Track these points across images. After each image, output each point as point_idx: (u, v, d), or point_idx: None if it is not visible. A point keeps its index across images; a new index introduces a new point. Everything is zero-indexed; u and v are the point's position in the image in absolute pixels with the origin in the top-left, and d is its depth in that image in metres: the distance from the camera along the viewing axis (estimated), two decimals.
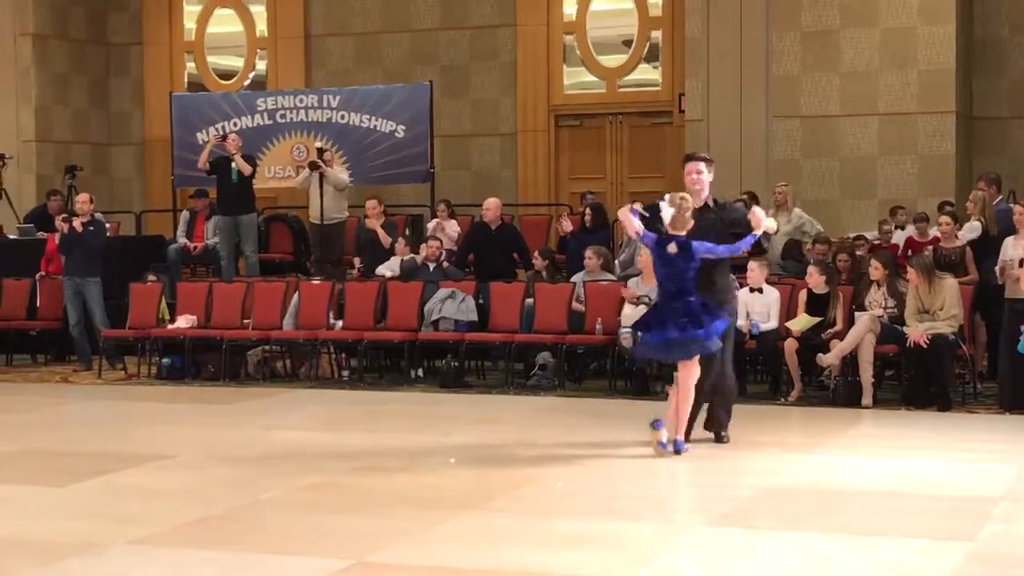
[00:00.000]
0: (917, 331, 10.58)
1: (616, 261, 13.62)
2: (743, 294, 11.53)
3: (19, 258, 14.98)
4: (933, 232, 12.74)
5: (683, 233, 8.52)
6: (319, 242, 15.22)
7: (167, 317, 13.51)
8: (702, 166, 8.93)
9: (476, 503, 7.25)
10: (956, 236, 12.05)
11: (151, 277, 14.12)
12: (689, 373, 8.56)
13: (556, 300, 12.35)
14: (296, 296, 13.12)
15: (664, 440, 8.53)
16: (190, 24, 19.27)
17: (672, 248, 8.50)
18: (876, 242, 13.40)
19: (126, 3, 19.30)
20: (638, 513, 7.08)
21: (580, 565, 6.00)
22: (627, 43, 17.65)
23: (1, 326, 14.28)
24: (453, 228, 14.80)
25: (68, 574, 5.94)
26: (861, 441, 9.64)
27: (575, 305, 12.33)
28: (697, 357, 8.56)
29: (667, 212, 8.54)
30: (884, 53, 15.55)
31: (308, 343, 12.99)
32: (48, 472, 8.31)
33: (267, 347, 13.18)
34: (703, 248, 8.53)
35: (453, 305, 12.51)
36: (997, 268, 11.27)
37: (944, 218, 12.27)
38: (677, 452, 8.52)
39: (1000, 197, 13.06)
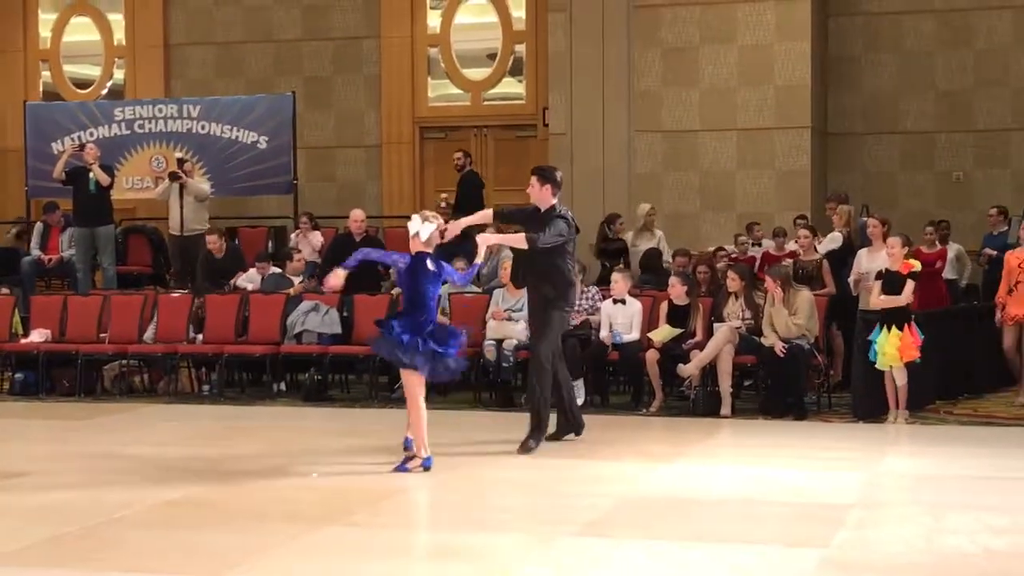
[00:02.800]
0: (773, 342, 10.82)
1: (480, 273, 13.66)
2: (606, 305, 11.67)
3: None
4: (790, 247, 13.05)
5: (431, 250, 8.65)
6: (179, 254, 14.98)
7: (20, 331, 13.14)
8: (534, 179, 9.25)
9: (336, 517, 7.19)
10: (815, 248, 12.34)
11: (3, 290, 13.73)
12: (415, 383, 8.52)
13: None
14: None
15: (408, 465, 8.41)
16: (45, 32, 18.84)
17: (431, 265, 8.59)
18: (734, 255, 13.66)
19: None
20: (501, 524, 7.09)
21: None
22: (492, 56, 17.74)
23: None
24: (316, 239, 14.69)
25: None
26: (720, 450, 9.81)
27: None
28: (423, 373, 8.49)
29: (425, 229, 8.58)
30: (742, 69, 15.87)
31: (167, 357, 12.76)
32: None
33: (124, 361, 12.91)
34: (457, 276, 9.13)
35: (317, 318, 12.41)
36: (851, 280, 11.59)
37: (803, 231, 12.57)
38: (426, 469, 8.35)
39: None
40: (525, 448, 9.20)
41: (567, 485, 8.21)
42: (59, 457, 9.27)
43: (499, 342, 11.64)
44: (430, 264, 8.56)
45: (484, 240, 9.25)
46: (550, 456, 9.33)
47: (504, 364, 11.59)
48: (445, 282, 9.25)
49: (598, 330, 11.61)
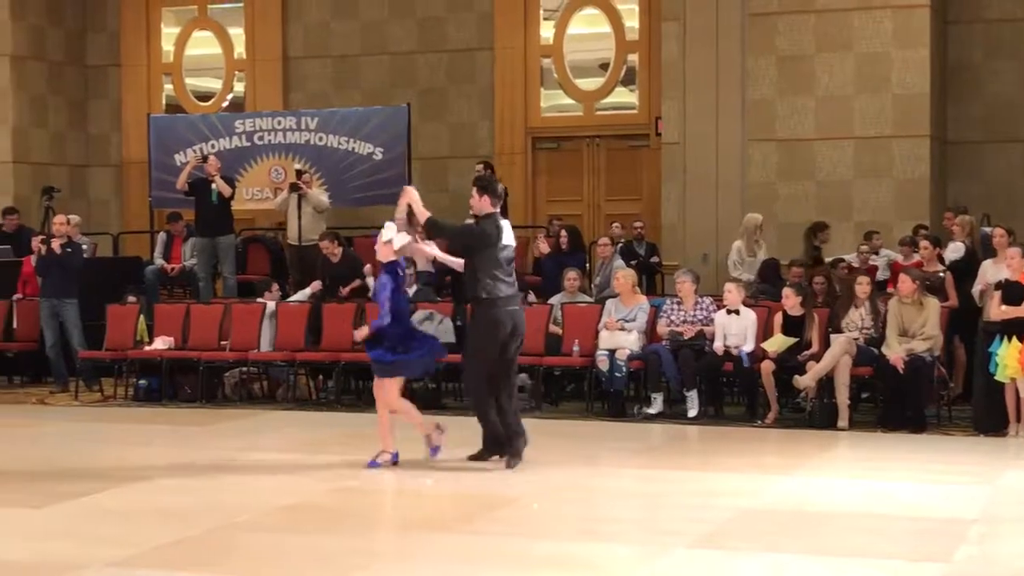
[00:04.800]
0: (896, 354, 10.66)
1: (592, 284, 13.70)
2: (720, 316, 11.59)
3: None
4: (915, 257, 12.84)
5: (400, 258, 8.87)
6: (297, 263, 15.22)
7: (145, 338, 13.46)
8: (474, 190, 9.27)
9: (454, 525, 7.25)
10: (938, 260, 12.15)
11: (131, 298, 14.08)
12: (389, 390, 8.90)
13: (533, 322, 12.35)
14: (272, 315, 13.11)
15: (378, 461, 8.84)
16: (168, 46, 19.25)
17: (401, 272, 8.88)
18: (850, 265, 13.47)
19: (104, 25, 19.28)
20: (617, 535, 7.10)
21: None
22: (604, 66, 17.73)
23: None
24: (431, 250, 14.77)
25: None
26: (837, 463, 9.70)
27: (552, 327, 12.36)
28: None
29: (399, 239, 8.79)
30: (859, 77, 15.66)
31: (285, 365, 12.98)
32: (25, 493, 8.27)
33: (244, 369, 13.16)
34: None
35: (431, 327, 12.50)
36: (977, 291, 11.39)
37: (924, 242, 12.38)
38: (394, 463, 8.84)
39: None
40: (511, 465, 9.06)
41: (681, 497, 8.19)
42: (181, 462, 9.48)
43: (612, 352, 11.64)
44: (400, 272, 8.88)
45: (408, 190, 9.20)
46: (664, 468, 9.32)
47: (617, 374, 11.58)
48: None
49: (712, 341, 11.55)
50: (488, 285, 8.95)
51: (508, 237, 9.12)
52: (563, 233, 14.08)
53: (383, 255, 8.89)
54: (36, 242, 14.03)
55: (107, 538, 7.03)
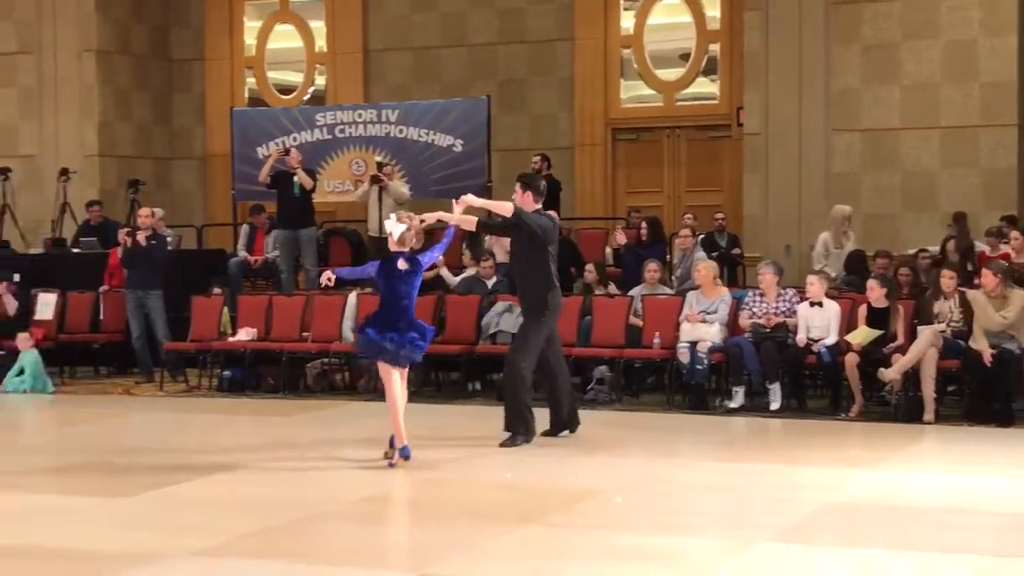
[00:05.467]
0: (984, 350, 10.49)
1: (673, 276, 13.62)
2: (803, 308, 11.48)
3: (82, 271, 15.17)
4: (1003, 248, 12.62)
5: (407, 249, 8.91)
6: (377, 255, 15.27)
7: (229, 330, 13.61)
8: (517, 186, 9.73)
9: (535, 516, 7.25)
10: None
11: (216, 290, 14.25)
12: (391, 379, 8.87)
13: (614, 314, 12.34)
14: (354, 307, 13.19)
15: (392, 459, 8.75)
16: (250, 40, 19.44)
17: (402, 264, 8.86)
18: (937, 257, 13.27)
19: (188, 19, 19.52)
20: (699, 528, 7.05)
21: None
22: (685, 56, 17.63)
23: (65, 339, 14.45)
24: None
25: None
26: (923, 457, 9.56)
27: (633, 319, 12.32)
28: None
29: (396, 229, 8.90)
30: (945, 66, 15.42)
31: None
32: (112, 483, 8.40)
33: (326, 360, 13.26)
34: (426, 258, 9.06)
35: (511, 318, 12.52)
36: None
37: (1014, 232, 12.16)
38: (405, 458, 8.73)
39: None
40: (512, 443, 9.46)
41: (764, 490, 8.11)
42: (265, 452, 9.56)
43: (693, 344, 11.57)
44: (401, 263, 8.87)
45: (465, 200, 9.34)
46: (746, 461, 9.24)
47: (698, 366, 11.51)
48: (432, 268, 9.49)
49: (795, 333, 11.43)
50: (550, 274, 9.53)
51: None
52: (643, 224, 14.02)
53: (391, 247, 9.07)
54: (122, 234, 14.24)
55: (192, 528, 7.11)
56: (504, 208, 9.42)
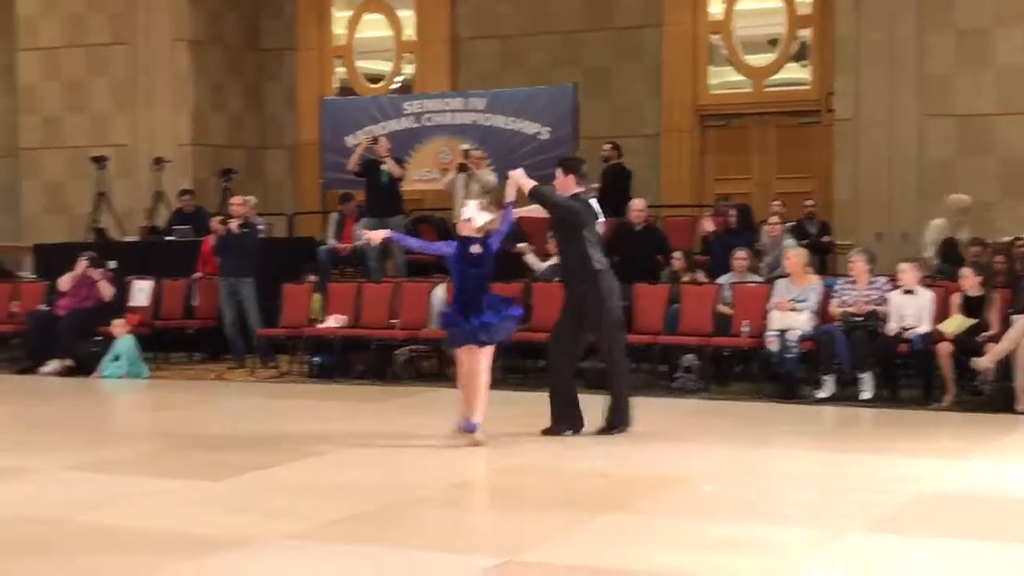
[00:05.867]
0: None
1: (762, 263, 13.51)
2: (895, 296, 11.33)
3: (176, 259, 15.42)
4: None
5: (481, 235, 9.12)
6: None
7: (319, 317, 13.76)
8: (558, 171, 9.59)
9: (623, 504, 7.25)
10: None
11: (312, 277, 14.41)
12: (479, 360, 9.11)
13: (701, 302, 12.29)
14: (442, 296, 13.26)
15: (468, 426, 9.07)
16: (340, 29, 19.59)
17: (476, 249, 9.08)
18: None
19: (279, 9, 19.71)
20: (789, 518, 7.01)
21: (730, 570, 5.96)
22: (774, 42, 17.45)
23: (159, 325, 14.70)
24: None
25: (225, 567, 6.08)
26: (1016, 447, 9.41)
27: (721, 307, 12.25)
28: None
29: (480, 217, 9.18)
30: None
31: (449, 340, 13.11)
32: (205, 467, 8.54)
33: (414, 347, 13.34)
34: (495, 242, 9.21)
35: None
36: None
37: None
38: (470, 431, 9.01)
39: None
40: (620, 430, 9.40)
41: (855, 480, 8.03)
42: (355, 438, 9.65)
43: (782, 333, 11.47)
44: (475, 248, 9.03)
45: (514, 176, 9.38)
46: (837, 451, 9.16)
47: (787, 355, 11.41)
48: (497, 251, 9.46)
49: (887, 321, 11.29)
50: (599, 257, 9.30)
51: (597, 212, 9.49)
52: (731, 212, 13.93)
53: (463, 231, 9.22)
54: (215, 223, 14.45)
55: (284, 512, 7.20)
56: (527, 185, 9.32)
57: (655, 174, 17.72)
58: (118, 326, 13.75)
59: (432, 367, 13.44)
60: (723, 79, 17.76)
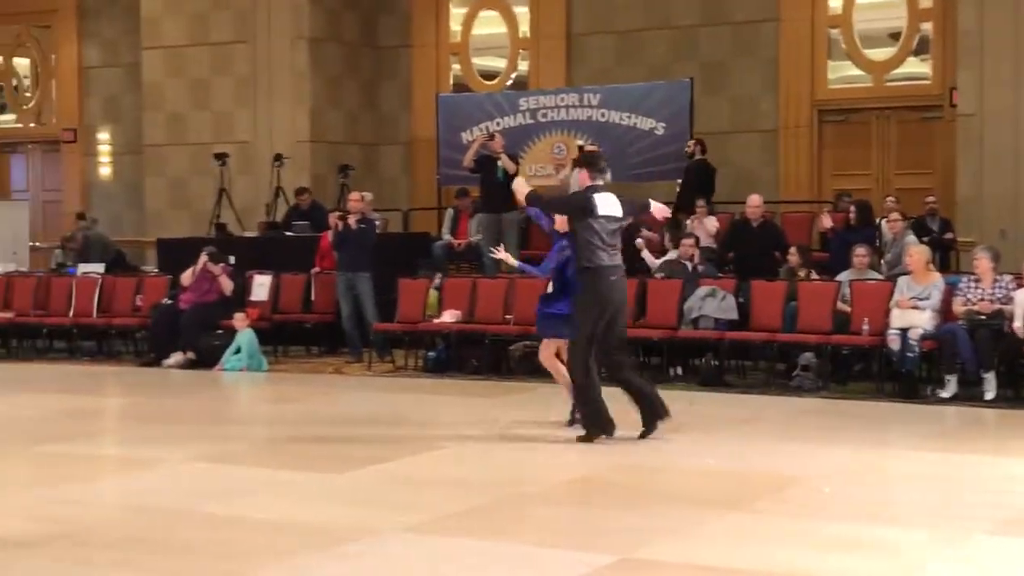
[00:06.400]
0: None
1: (883, 260, 13.31)
2: (1019, 294, 11.07)
3: (295, 254, 15.65)
4: None
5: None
6: None
7: (435, 312, 13.86)
8: (574, 166, 9.77)
9: (740, 503, 7.20)
10: None
11: (438, 274, 14.53)
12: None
13: (820, 299, 12.13)
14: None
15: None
16: (456, 26, 19.70)
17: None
18: None
19: (396, 7, 19.88)
20: (910, 519, 6.90)
21: (849, 571, 5.89)
22: (894, 36, 17.15)
23: (278, 319, 14.94)
24: (712, 225, 14.71)
25: (344, 558, 6.17)
26: None
27: (840, 305, 12.08)
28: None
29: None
30: None
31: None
32: (326, 459, 8.66)
33: (528, 342, 13.36)
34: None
35: (714, 303, 12.43)
36: None
37: None
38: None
39: None
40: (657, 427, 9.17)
41: (978, 481, 7.88)
42: (471, 432, 9.71)
43: (903, 331, 11.28)
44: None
45: (515, 187, 9.42)
46: (959, 451, 8.99)
47: (909, 354, 11.22)
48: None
49: (1012, 320, 11.03)
50: (587, 254, 8.98)
51: (611, 209, 9.06)
52: (851, 208, 13.73)
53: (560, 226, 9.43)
54: (333, 218, 14.64)
55: (401, 504, 7.28)
56: (521, 195, 9.28)
57: (772, 170, 17.54)
58: (239, 320, 14.00)
59: None
60: (842, 73, 17.50)
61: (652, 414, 9.14)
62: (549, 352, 9.74)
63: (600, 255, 8.99)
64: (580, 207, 9.09)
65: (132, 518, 7.02)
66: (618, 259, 9.15)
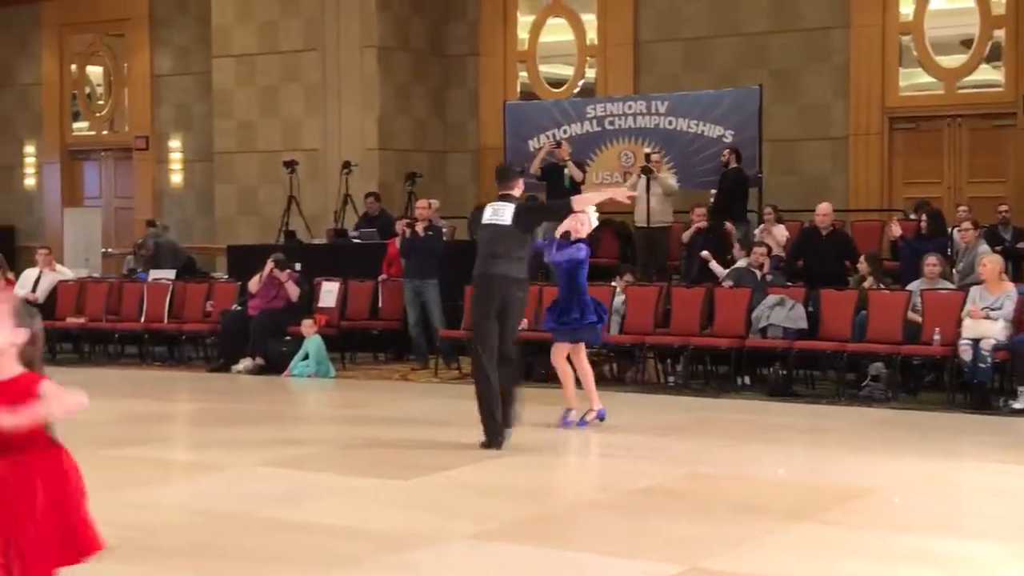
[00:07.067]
0: None
1: (955, 270, 13.13)
2: None
3: (362, 261, 15.73)
4: None
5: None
6: (645, 246, 15.32)
7: None
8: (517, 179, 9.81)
9: (809, 514, 7.13)
10: None
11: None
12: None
13: (891, 309, 12.00)
14: (622, 300, 13.24)
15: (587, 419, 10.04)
16: (523, 34, 19.72)
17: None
18: None
19: (464, 15, 19.95)
20: (982, 531, 6.80)
21: None
22: (966, 43, 16.94)
23: (345, 326, 15.01)
24: (781, 233, 14.61)
25: (411, 565, 6.18)
26: None
27: (911, 315, 11.94)
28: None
29: (595, 217, 10.00)
30: None
31: (634, 347, 13.09)
32: (391, 465, 8.69)
33: (594, 350, 13.32)
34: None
35: (783, 312, 12.34)
36: None
37: None
38: (601, 419, 10.08)
39: None
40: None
41: None
42: (537, 440, 9.70)
43: (975, 342, 11.13)
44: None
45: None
46: None
47: (981, 364, 11.06)
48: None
49: None
50: (476, 263, 9.43)
51: (495, 217, 9.31)
52: (922, 216, 13.57)
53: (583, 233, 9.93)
54: (401, 225, 14.69)
55: (468, 512, 7.29)
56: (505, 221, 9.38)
57: (842, 178, 17.39)
58: (307, 326, 14.10)
59: (613, 371, 13.42)
60: (913, 80, 17.32)
61: (502, 425, 9.20)
62: (561, 354, 10.14)
63: (480, 263, 9.32)
64: (469, 224, 9.59)
65: (199, 522, 7.08)
66: (500, 265, 9.22)
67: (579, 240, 9.95)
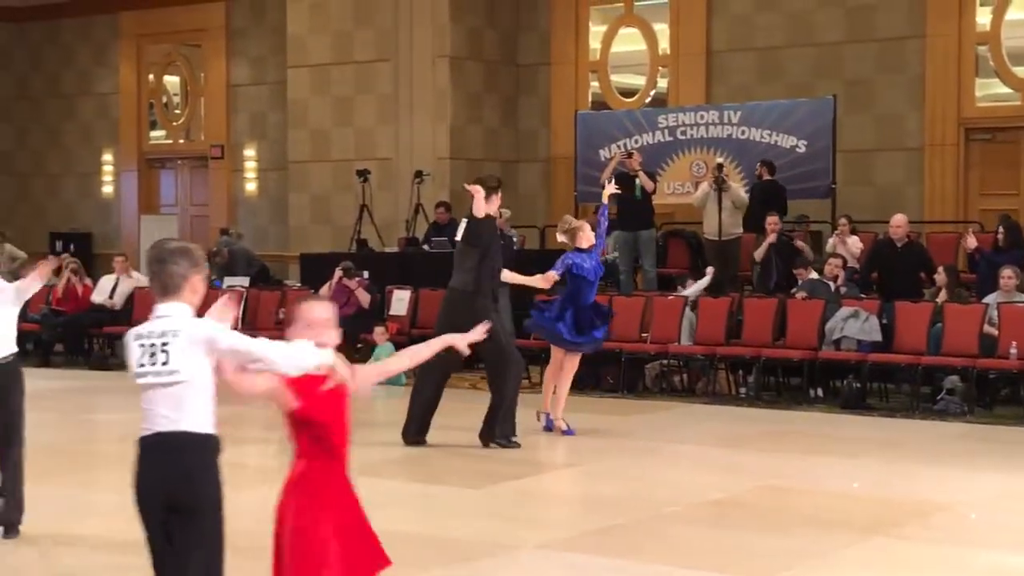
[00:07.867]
0: None
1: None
2: None
3: (433, 269, 15.77)
4: None
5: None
6: (715, 258, 15.24)
7: None
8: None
9: (885, 528, 7.06)
10: None
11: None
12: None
13: (967, 321, 11.84)
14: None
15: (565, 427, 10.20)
16: (595, 44, 19.70)
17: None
18: None
19: (536, 25, 19.97)
20: None
21: None
22: None
23: (416, 333, 14.93)
24: (855, 244, 14.47)
25: (478, 574, 6.20)
26: None
27: (987, 327, 11.78)
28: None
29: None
30: None
31: (705, 359, 13.03)
32: (461, 474, 8.72)
33: (664, 361, 13.30)
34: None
35: (856, 324, 12.22)
36: None
37: None
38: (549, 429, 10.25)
39: None
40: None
41: None
42: (607, 450, 9.69)
43: None
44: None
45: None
46: None
47: None
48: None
49: None
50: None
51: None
52: (999, 228, 13.39)
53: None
54: None
55: (538, 521, 7.30)
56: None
57: (917, 189, 17.19)
58: (379, 334, 14.17)
59: (683, 382, 13.37)
60: (989, 91, 17.08)
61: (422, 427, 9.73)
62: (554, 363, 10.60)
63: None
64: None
65: (268, 528, 7.12)
66: (457, 278, 10.09)
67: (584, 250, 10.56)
